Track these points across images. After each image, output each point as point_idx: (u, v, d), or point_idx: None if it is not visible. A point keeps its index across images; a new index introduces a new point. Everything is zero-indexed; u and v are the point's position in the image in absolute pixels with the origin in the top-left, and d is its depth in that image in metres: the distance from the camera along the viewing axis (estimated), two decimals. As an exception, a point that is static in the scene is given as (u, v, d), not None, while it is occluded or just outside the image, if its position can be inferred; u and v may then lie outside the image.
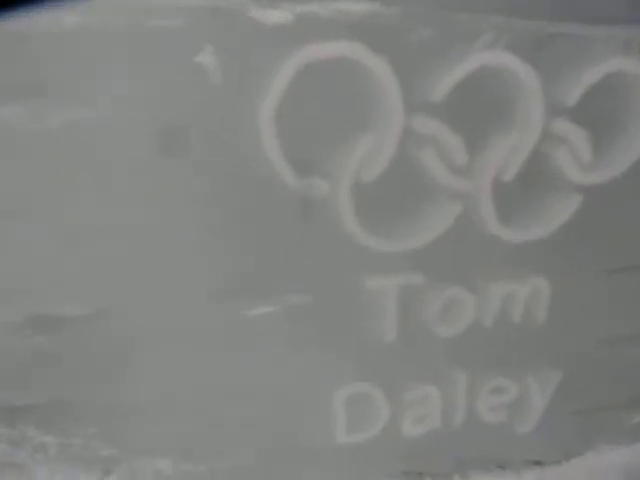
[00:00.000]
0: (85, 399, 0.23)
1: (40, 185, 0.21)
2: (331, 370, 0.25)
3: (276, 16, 0.19)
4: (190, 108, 0.19)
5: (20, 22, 0.19)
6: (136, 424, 0.24)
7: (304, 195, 0.21)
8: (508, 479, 0.30)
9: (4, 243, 0.21)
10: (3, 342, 0.22)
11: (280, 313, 0.23)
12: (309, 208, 0.21)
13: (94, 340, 0.22)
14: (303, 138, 0.20)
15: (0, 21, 0.21)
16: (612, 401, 0.32)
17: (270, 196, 0.21)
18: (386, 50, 0.20)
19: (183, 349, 0.23)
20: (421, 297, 0.24)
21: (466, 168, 0.22)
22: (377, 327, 0.24)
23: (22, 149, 0.20)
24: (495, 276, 0.25)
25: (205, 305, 0.23)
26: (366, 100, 0.20)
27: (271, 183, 0.20)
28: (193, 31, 0.18)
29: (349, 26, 0.19)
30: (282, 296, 0.23)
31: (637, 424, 0.32)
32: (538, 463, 0.31)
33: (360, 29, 0.19)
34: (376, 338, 0.24)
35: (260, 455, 0.26)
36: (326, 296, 0.23)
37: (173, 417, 0.24)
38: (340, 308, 0.23)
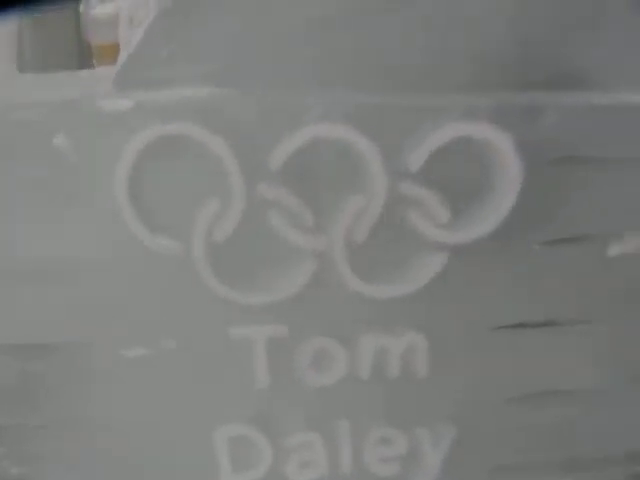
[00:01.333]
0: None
1: None
2: (209, 411, 0.27)
3: (119, 104, 0.22)
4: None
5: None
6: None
7: (162, 254, 0.24)
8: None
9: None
10: None
11: (154, 356, 0.25)
12: (169, 265, 0.24)
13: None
14: (155, 204, 0.23)
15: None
16: (543, 460, 0.31)
17: (134, 254, 0.24)
18: (222, 129, 0.22)
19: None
20: (288, 348, 0.26)
21: (315, 229, 0.24)
22: (248, 374, 0.26)
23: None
24: (364, 330, 0.26)
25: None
26: (209, 171, 0.23)
27: (133, 243, 0.23)
28: (50, 120, 0.22)
29: (186, 109, 0.22)
30: (155, 341, 0.25)
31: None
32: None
33: (196, 111, 0.22)
34: (249, 384, 0.26)
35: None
36: (194, 343, 0.25)
37: (67, 441, 0.27)
38: (209, 355, 0.26)
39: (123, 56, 0.23)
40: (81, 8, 0.79)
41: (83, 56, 0.85)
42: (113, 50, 0.77)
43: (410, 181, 0.24)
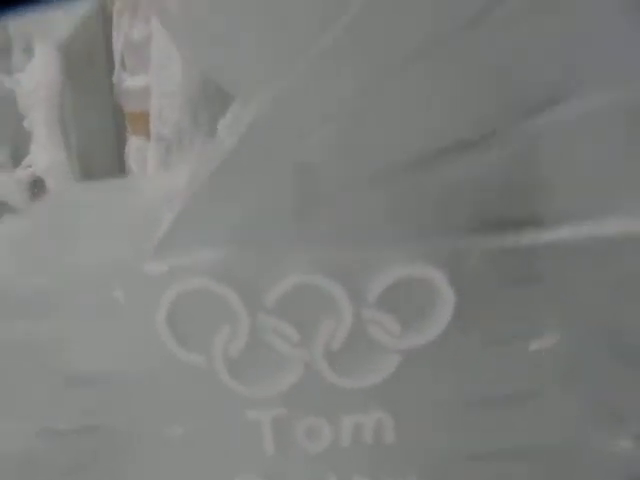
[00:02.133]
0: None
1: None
2: (229, 471, 0.36)
3: (158, 269, 0.31)
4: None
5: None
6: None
7: (191, 364, 0.33)
8: None
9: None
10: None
11: (188, 434, 0.35)
12: (196, 371, 0.34)
13: None
14: (186, 331, 0.32)
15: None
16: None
17: (169, 364, 0.33)
18: (232, 280, 0.31)
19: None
20: (288, 425, 0.35)
21: (301, 343, 0.33)
22: (259, 444, 0.35)
23: None
24: (344, 411, 0.35)
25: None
26: (223, 307, 0.32)
27: (170, 357, 0.33)
28: (108, 278, 0.32)
29: (204, 269, 0.31)
30: (188, 422, 0.35)
31: None
32: None
33: (212, 269, 0.31)
34: (260, 452, 0.35)
35: None
36: (219, 423, 0.35)
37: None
38: (229, 431, 0.35)
39: (160, 231, 0.32)
40: (114, 79, 0.90)
41: (118, 119, 0.96)
42: (144, 117, 0.87)
43: (369, 308, 0.33)
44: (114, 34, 0.82)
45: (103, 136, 0.98)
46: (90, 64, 0.94)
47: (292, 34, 0.29)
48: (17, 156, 0.98)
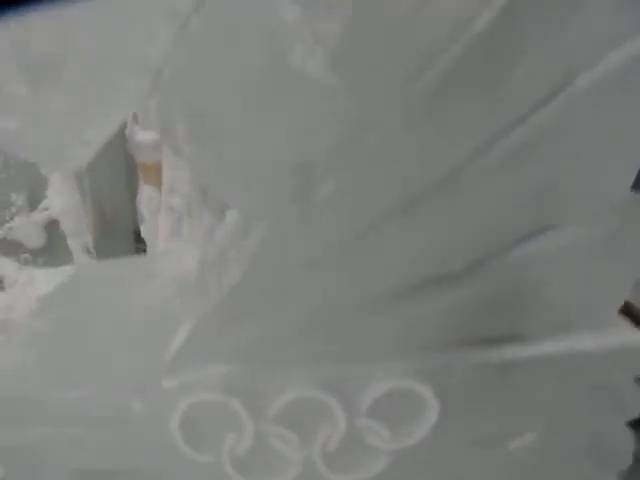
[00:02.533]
0: None
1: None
2: None
3: (174, 383, 0.35)
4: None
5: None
6: None
7: (202, 462, 0.37)
8: None
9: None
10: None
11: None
12: (206, 468, 0.37)
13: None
14: (198, 435, 0.36)
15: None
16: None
17: (181, 462, 0.37)
18: (238, 393, 0.35)
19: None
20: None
21: (300, 446, 0.37)
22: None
23: None
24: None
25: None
26: (228, 414, 0.36)
27: (182, 456, 0.37)
28: (128, 388, 0.35)
29: (213, 383, 0.35)
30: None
31: None
32: None
33: (220, 383, 0.35)
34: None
35: None
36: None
37: None
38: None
39: (175, 347, 0.36)
40: (127, 131, 0.93)
41: (130, 168, 1.00)
42: (155, 168, 0.91)
43: (361, 417, 0.36)
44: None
45: (116, 183, 1.02)
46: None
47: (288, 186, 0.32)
48: (34, 200, 1.02)
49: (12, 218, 1.03)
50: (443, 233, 0.33)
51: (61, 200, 1.01)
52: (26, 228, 1.03)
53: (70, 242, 1.03)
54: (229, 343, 0.35)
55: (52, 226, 1.04)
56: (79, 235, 1.03)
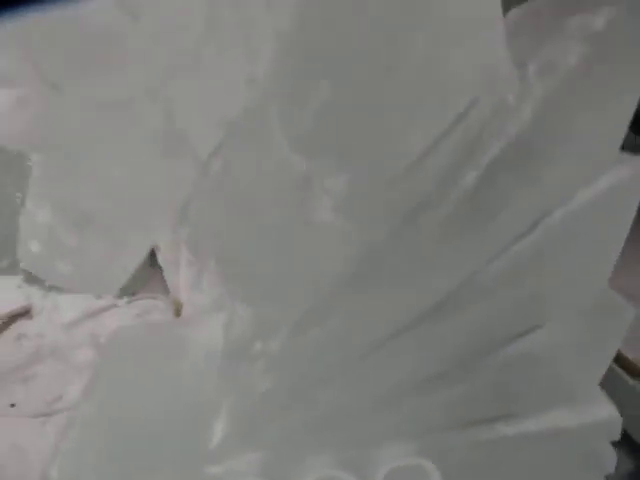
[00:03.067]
0: None
1: None
2: None
3: (215, 470, 0.41)
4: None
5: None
6: None
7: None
8: None
9: None
10: None
11: None
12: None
13: None
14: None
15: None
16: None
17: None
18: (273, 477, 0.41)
19: None
20: None
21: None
22: None
23: None
24: None
25: None
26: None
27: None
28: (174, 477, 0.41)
29: (251, 470, 0.41)
30: None
31: None
32: None
33: (258, 469, 0.41)
34: None
35: None
36: None
37: None
38: None
39: (216, 438, 0.42)
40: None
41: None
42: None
43: (376, 486, 0.42)
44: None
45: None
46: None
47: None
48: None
49: (34, 249, 1.08)
50: (442, 342, 0.38)
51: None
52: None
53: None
54: (268, 432, 0.41)
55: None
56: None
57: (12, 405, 0.87)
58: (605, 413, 0.42)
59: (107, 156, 0.34)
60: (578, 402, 0.42)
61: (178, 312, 0.77)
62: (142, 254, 0.39)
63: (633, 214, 0.36)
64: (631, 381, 0.57)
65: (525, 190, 0.33)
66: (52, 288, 1.11)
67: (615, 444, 0.44)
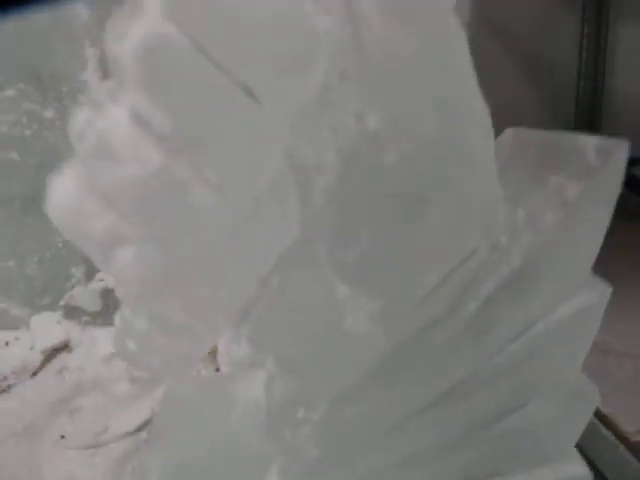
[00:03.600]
0: None
1: None
2: None
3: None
4: None
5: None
6: None
7: None
8: None
9: None
10: None
11: None
12: None
13: None
14: None
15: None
16: None
17: None
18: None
19: None
20: None
21: None
22: None
23: None
24: None
25: None
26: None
27: None
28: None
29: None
30: None
31: None
32: None
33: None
34: None
35: None
36: None
37: None
38: None
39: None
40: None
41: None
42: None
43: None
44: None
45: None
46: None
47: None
48: (91, 272, 1.18)
49: (72, 288, 1.19)
50: (453, 419, 0.49)
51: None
52: (85, 296, 1.19)
53: (124, 306, 1.19)
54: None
55: (107, 293, 1.20)
56: (132, 300, 1.18)
57: (62, 437, 0.97)
58: (579, 471, 0.52)
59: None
60: (556, 462, 0.52)
61: (213, 353, 0.87)
62: (211, 347, 0.50)
63: (599, 322, 0.46)
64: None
65: (515, 312, 0.44)
66: (88, 323, 1.22)
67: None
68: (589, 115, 1.40)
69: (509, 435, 0.50)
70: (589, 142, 0.42)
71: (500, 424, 0.49)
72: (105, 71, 1.01)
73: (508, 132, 0.51)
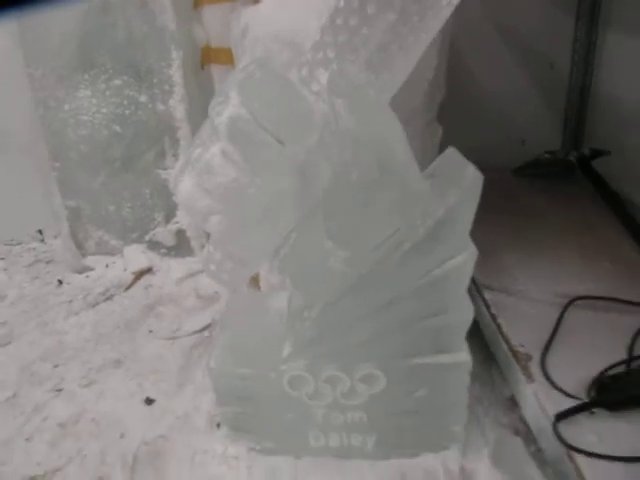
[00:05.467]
0: None
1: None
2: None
3: None
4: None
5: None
6: None
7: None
8: None
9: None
10: None
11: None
12: None
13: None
14: None
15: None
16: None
17: None
18: None
19: None
20: None
21: None
22: None
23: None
24: None
25: None
26: None
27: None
28: None
29: None
30: None
31: None
32: None
33: None
34: None
35: None
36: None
37: None
38: None
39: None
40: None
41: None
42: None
43: None
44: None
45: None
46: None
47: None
48: (169, 217, 1.58)
49: (155, 228, 1.60)
50: (391, 315, 0.85)
51: (186, 219, 1.56)
52: (164, 234, 1.60)
53: (192, 243, 1.60)
54: (311, 352, 0.89)
55: (180, 233, 1.61)
56: (198, 239, 1.59)
57: (150, 331, 1.40)
58: (463, 357, 0.88)
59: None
60: (452, 352, 0.88)
61: (256, 279, 1.25)
62: (257, 270, 0.88)
63: (472, 266, 0.81)
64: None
65: (424, 260, 0.79)
66: (165, 254, 1.63)
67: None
68: (579, 106, 1.66)
69: (428, 331, 0.86)
70: (468, 167, 0.75)
71: (423, 322, 0.85)
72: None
73: (447, 151, 0.85)
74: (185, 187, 0.74)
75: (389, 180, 0.73)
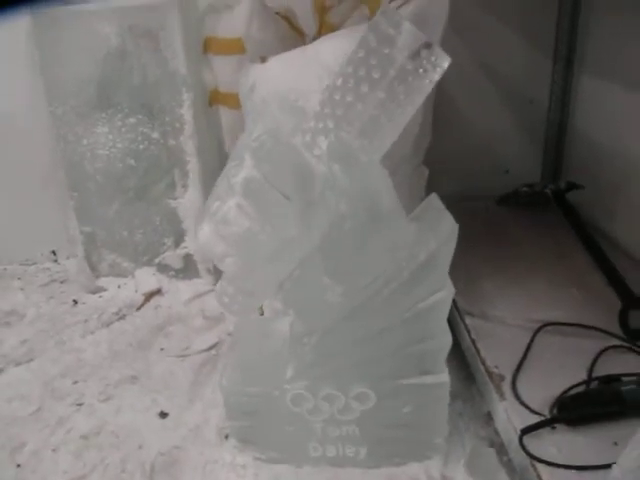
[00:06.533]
0: None
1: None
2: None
3: None
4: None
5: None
6: None
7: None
8: None
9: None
10: None
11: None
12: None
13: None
14: None
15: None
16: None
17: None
18: None
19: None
20: None
21: None
22: None
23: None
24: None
25: None
26: None
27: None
28: None
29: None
30: None
31: None
32: None
33: None
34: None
35: None
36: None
37: None
38: None
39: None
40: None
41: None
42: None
43: None
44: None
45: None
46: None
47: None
48: (178, 242, 1.70)
49: (164, 252, 1.72)
50: (382, 334, 0.98)
51: (194, 244, 1.69)
52: (173, 258, 1.72)
53: (199, 266, 1.72)
54: (311, 374, 1.01)
55: (188, 257, 1.73)
56: (204, 263, 1.71)
57: (162, 349, 1.51)
58: (442, 379, 1.00)
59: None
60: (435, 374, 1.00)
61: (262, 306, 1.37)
62: (264, 302, 1.00)
63: (450, 302, 0.94)
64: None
65: (408, 296, 0.91)
66: (173, 276, 1.76)
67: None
68: (557, 140, 1.80)
69: (413, 355, 0.99)
70: (446, 216, 0.88)
71: (409, 348, 0.97)
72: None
73: (429, 197, 0.97)
74: (204, 234, 0.87)
75: (378, 228, 0.86)
